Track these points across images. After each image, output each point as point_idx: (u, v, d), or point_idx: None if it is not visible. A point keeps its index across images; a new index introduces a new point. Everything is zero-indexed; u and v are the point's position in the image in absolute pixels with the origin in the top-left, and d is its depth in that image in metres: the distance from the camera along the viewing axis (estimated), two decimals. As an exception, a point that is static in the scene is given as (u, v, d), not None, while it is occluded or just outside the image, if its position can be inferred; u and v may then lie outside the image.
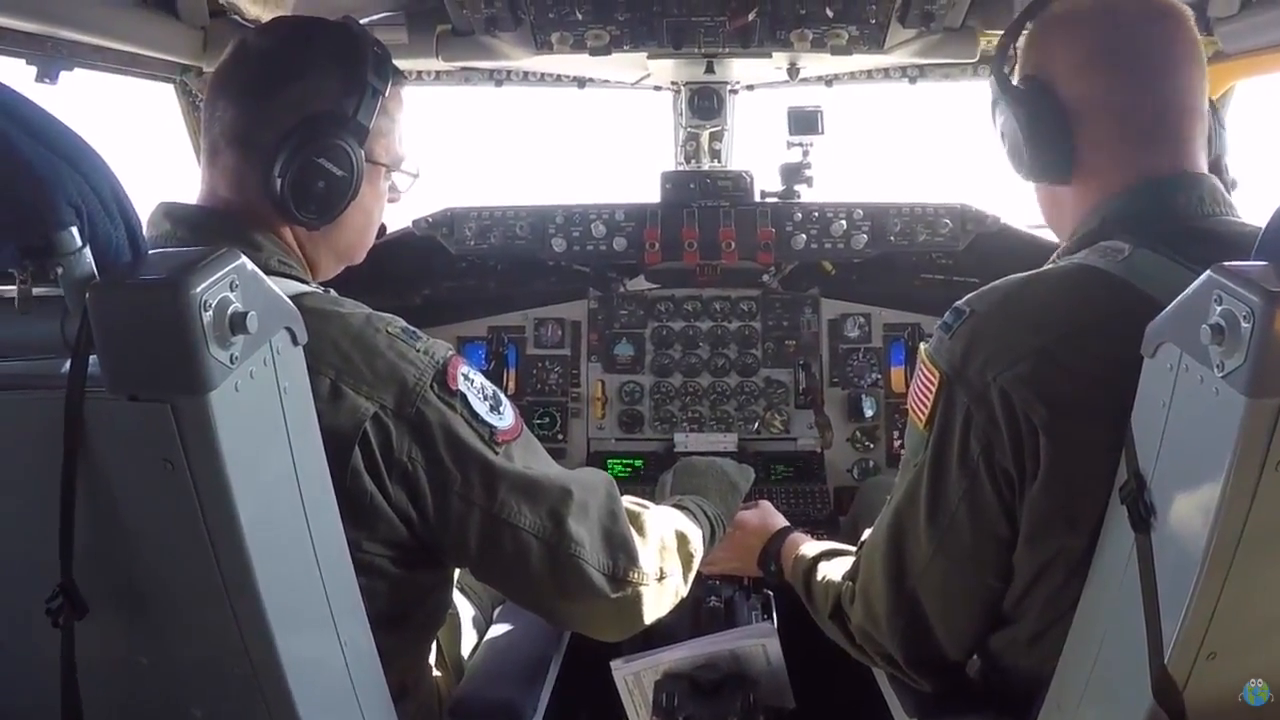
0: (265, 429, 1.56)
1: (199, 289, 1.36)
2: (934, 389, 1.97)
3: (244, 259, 1.47)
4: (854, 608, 2.30)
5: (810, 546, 2.72)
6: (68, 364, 1.44)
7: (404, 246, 4.09)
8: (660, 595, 2.30)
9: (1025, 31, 2.16)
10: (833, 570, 2.49)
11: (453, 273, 4.34)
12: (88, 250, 1.40)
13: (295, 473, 1.63)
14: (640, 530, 2.30)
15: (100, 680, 1.67)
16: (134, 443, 1.46)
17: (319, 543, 1.71)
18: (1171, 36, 2.03)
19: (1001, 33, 2.21)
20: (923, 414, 2.01)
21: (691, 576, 2.46)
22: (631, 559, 2.20)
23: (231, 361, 1.42)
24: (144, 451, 1.46)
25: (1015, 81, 2.13)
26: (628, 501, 2.37)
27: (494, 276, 4.38)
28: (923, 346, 2.07)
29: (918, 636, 2.16)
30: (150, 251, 1.52)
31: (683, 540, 2.44)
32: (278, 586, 1.58)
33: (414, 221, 4.09)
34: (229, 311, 1.41)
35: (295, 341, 1.62)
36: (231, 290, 1.42)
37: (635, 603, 2.22)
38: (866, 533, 2.32)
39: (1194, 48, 2.05)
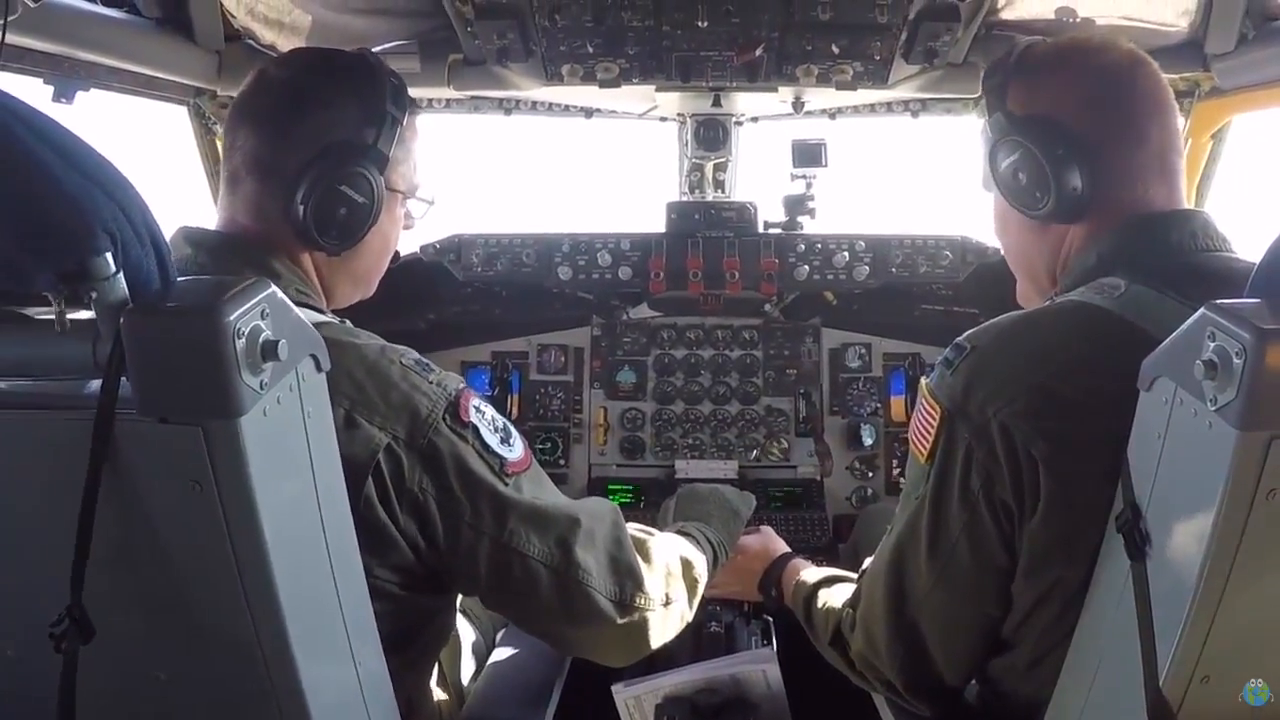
0: (290, 453, 1.60)
1: (233, 317, 1.41)
2: (935, 423, 1.99)
3: (274, 288, 1.52)
4: (854, 635, 2.33)
5: (811, 573, 2.73)
6: (97, 385, 1.47)
7: (411, 271, 4.07)
8: (666, 620, 2.33)
9: (1018, 75, 2.19)
10: (833, 597, 2.51)
11: (458, 298, 4.37)
12: (121, 276, 1.43)
13: (317, 496, 1.67)
14: (646, 557, 2.33)
15: (116, 694, 1.71)
16: (162, 464, 1.51)
17: (337, 564, 1.75)
18: (1154, 80, 2.12)
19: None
20: (924, 448, 2.04)
21: (696, 602, 2.49)
22: (638, 585, 2.23)
23: (261, 387, 1.47)
24: (172, 473, 1.50)
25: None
26: (633, 529, 2.39)
27: (499, 302, 4.41)
28: (924, 381, 2.09)
29: (917, 664, 2.18)
30: (179, 279, 1.56)
31: (687, 566, 2.47)
32: (299, 606, 1.62)
33: (421, 247, 4.13)
34: (261, 339, 1.45)
35: (319, 369, 1.67)
36: (263, 319, 1.47)
37: (642, 628, 2.25)
38: (868, 561, 2.34)
39: (1170, 93, 2.13)
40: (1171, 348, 1.61)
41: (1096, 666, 1.83)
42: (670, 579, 2.38)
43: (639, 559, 2.28)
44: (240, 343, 1.42)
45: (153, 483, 1.53)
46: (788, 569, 2.88)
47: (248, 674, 1.65)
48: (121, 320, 1.43)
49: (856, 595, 2.36)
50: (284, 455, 1.59)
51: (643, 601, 2.24)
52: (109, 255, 1.41)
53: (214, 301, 1.42)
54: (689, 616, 2.46)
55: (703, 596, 2.52)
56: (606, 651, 2.32)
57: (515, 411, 4.27)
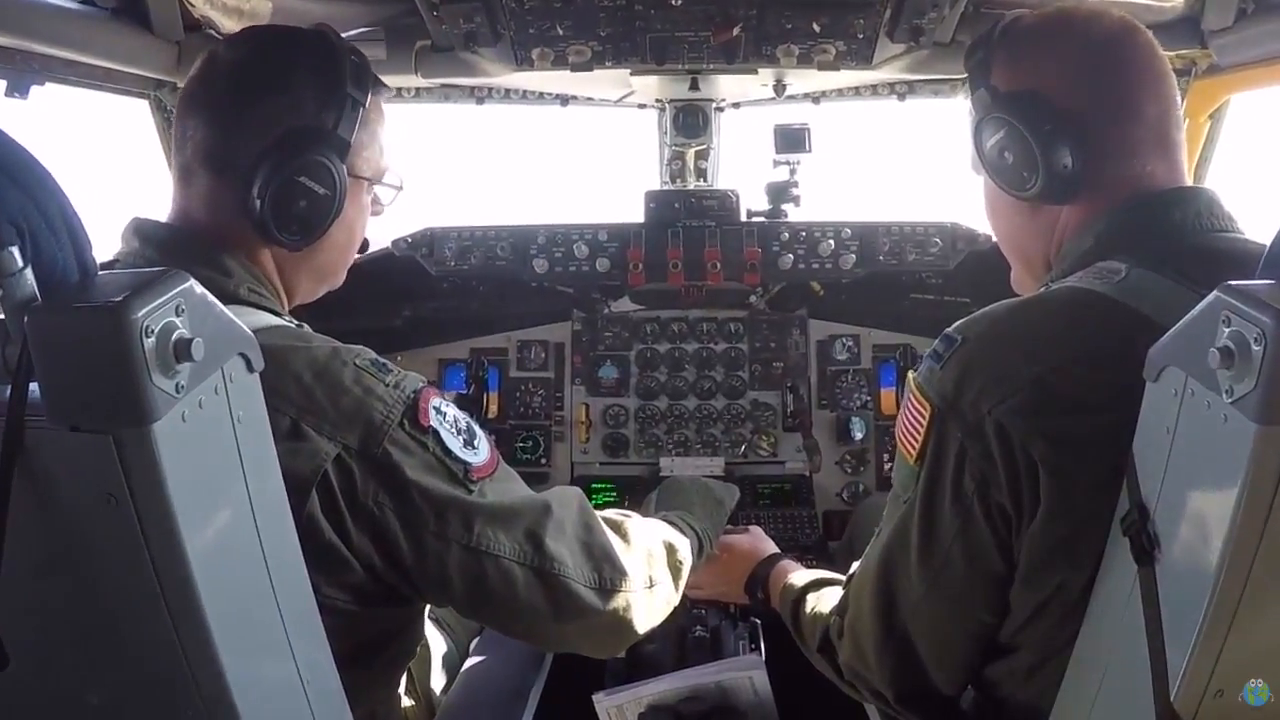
0: (217, 461, 1.48)
1: (141, 313, 1.28)
2: (925, 422, 1.89)
3: (192, 282, 1.40)
4: (842, 643, 2.24)
5: (799, 575, 2.64)
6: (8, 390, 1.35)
7: (383, 267, 4.01)
8: (651, 603, 2.27)
9: (1002, 49, 2.10)
10: (821, 602, 2.43)
11: (434, 293, 4.27)
12: (29, 271, 1.31)
13: (251, 507, 1.55)
14: (624, 537, 2.28)
15: None
16: (75, 476, 1.38)
17: (278, 580, 1.62)
18: (1148, 49, 2.02)
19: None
20: (913, 448, 1.93)
21: (682, 585, 2.44)
22: (616, 568, 2.16)
23: (177, 391, 1.34)
24: (86, 485, 1.37)
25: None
26: (610, 512, 2.35)
27: (476, 297, 4.31)
28: (911, 376, 1.98)
29: (908, 674, 2.09)
30: (100, 273, 1.43)
31: (671, 550, 2.42)
32: (232, 626, 1.50)
33: (393, 242, 4.02)
34: (173, 338, 1.32)
35: (251, 368, 1.54)
36: (177, 315, 1.34)
37: (627, 612, 2.18)
38: (855, 565, 2.24)
39: (1166, 63, 2.03)
40: (1181, 334, 1.49)
41: (1101, 677, 1.72)
42: (652, 561, 2.32)
43: (615, 541, 2.22)
44: (149, 342, 1.29)
45: (66, 495, 1.40)
46: (775, 570, 2.80)
47: (181, 700, 1.52)
48: (25, 319, 1.30)
49: (844, 602, 2.27)
50: (210, 464, 1.46)
51: (625, 585, 2.17)
52: (15, 249, 1.29)
53: (120, 297, 1.29)
54: (675, 600, 2.40)
55: (688, 599, 2.49)
56: (596, 643, 2.25)
57: (495, 410, 4.18)
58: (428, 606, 2.41)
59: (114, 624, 1.52)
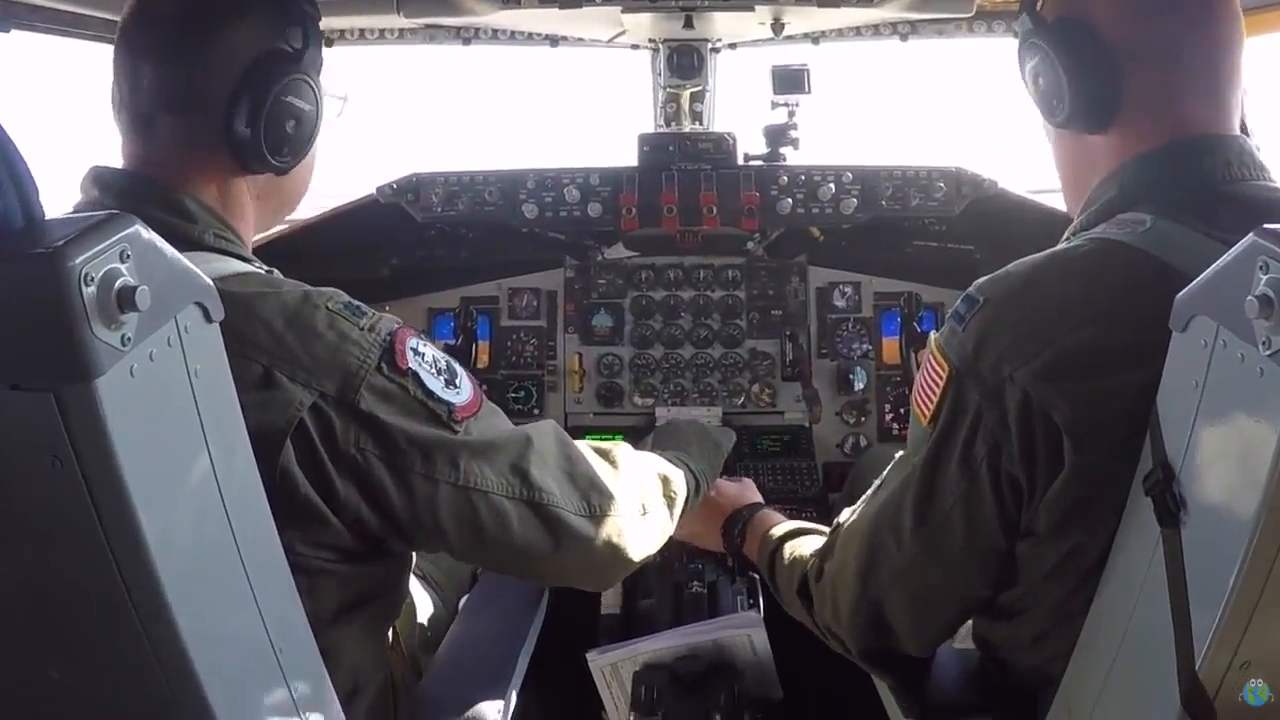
0: (172, 419, 1.38)
1: (78, 260, 1.18)
2: (942, 383, 1.83)
3: (138, 226, 1.29)
4: (818, 588, 2.22)
5: (781, 526, 2.63)
6: None
7: (368, 215, 3.90)
8: (646, 530, 2.28)
9: None
10: (802, 547, 2.42)
11: (422, 242, 4.15)
12: None
13: (212, 465, 1.45)
14: (613, 464, 2.29)
15: (10, 698, 1.53)
16: (18, 437, 1.27)
17: (244, 541, 1.53)
18: None
19: None
20: (927, 410, 1.88)
21: (677, 515, 2.44)
22: (604, 494, 2.16)
23: (123, 343, 1.24)
24: (29, 446, 1.27)
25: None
26: (599, 443, 2.34)
27: (465, 245, 4.19)
28: (932, 336, 1.92)
29: (876, 634, 2.09)
30: (48, 219, 1.32)
31: (665, 481, 2.43)
32: (192, 591, 1.41)
33: (378, 188, 3.89)
34: (116, 286, 1.22)
35: (209, 319, 1.44)
36: (121, 261, 1.23)
37: (620, 538, 2.18)
38: (846, 512, 2.21)
39: (1236, 3, 1.93)
40: (1213, 281, 1.39)
41: (1118, 645, 1.64)
42: (645, 490, 2.33)
43: (601, 468, 2.22)
44: (89, 290, 1.18)
45: (9, 458, 1.30)
46: (757, 517, 2.78)
47: (143, 673, 1.44)
48: None
49: (828, 548, 2.23)
50: (164, 421, 1.36)
51: (614, 509, 2.16)
52: None
53: (58, 244, 1.18)
54: (670, 530, 2.41)
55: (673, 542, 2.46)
56: (595, 574, 2.26)
57: (486, 359, 4.09)
58: (413, 564, 2.35)
59: (68, 594, 1.43)
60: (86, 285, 1.18)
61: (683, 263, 4.09)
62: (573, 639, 2.77)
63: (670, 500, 2.41)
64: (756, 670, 2.70)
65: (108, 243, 1.22)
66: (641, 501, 2.28)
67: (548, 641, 2.88)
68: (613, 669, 2.70)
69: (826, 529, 2.37)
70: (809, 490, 3.84)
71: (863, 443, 4.03)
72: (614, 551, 2.17)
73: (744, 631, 2.69)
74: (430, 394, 1.90)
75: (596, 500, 2.14)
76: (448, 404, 1.92)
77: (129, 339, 1.24)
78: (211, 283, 1.45)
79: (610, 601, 3.17)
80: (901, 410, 4.01)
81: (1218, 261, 1.38)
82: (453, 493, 1.92)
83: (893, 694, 2.30)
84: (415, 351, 1.91)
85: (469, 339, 3.92)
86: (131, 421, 1.27)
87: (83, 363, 1.19)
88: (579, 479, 2.14)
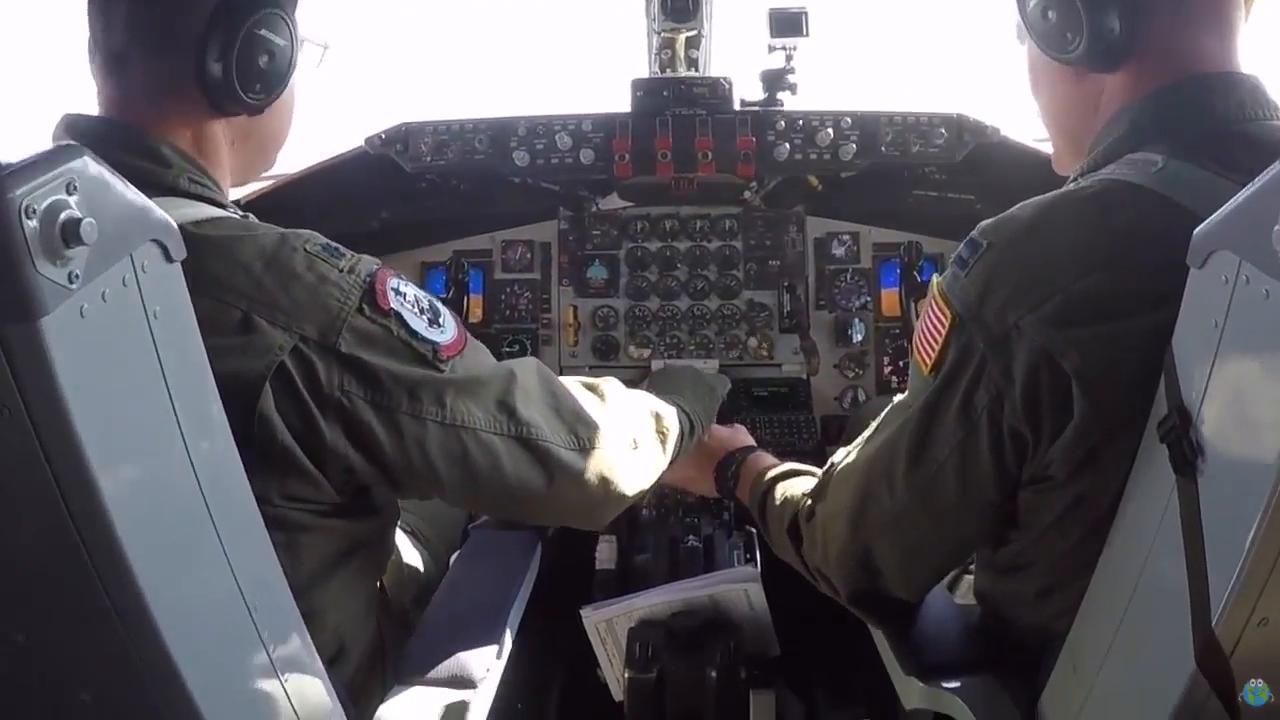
0: (129, 362, 1.31)
1: (19, 191, 1.10)
2: (945, 330, 1.78)
3: (86, 158, 1.21)
4: (808, 527, 2.20)
5: (775, 468, 2.60)
6: None
7: (357, 167, 3.81)
8: (638, 464, 2.29)
9: None
10: (794, 487, 2.39)
11: (412, 194, 4.05)
12: None
13: (175, 413, 1.37)
14: (601, 398, 2.30)
15: None
16: (-37, 383, 1.20)
17: (211, 492, 1.46)
18: None
19: None
20: (928, 358, 1.82)
21: (670, 451, 2.45)
22: (590, 426, 2.16)
23: (70, 280, 1.16)
24: (-25, 394, 1.20)
25: None
26: (583, 379, 2.37)
27: (457, 197, 4.11)
28: (935, 280, 1.86)
29: (865, 577, 2.07)
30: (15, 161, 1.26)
31: (656, 418, 2.45)
32: (153, 546, 1.34)
33: (367, 139, 3.79)
34: (61, 218, 1.14)
35: (169, 258, 1.36)
36: (68, 194, 1.16)
37: (612, 472, 2.18)
38: (840, 453, 2.18)
39: None
40: (1236, 213, 1.31)
41: (1127, 601, 1.58)
42: (635, 424, 2.34)
43: (588, 401, 2.22)
44: (31, 224, 1.10)
45: (-42, 407, 1.23)
46: (751, 458, 2.75)
47: (108, 638, 1.38)
48: None
49: (820, 489, 2.20)
50: (119, 366, 1.29)
51: (602, 442, 2.16)
52: None
53: None
54: (663, 465, 2.43)
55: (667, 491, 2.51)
56: (589, 510, 2.24)
57: (480, 313, 4.03)
58: (400, 519, 2.33)
59: (23, 554, 1.36)
60: (28, 218, 1.10)
61: (679, 213, 4.02)
62: (567, 595, 2.73)
63: (663, 436, 2.42)
64: (753, 625, 2.70)
65: (52, 174, 1.14)
66: (632, 435, 2.28)
67: (541, 598, 2.83)
68: (608, 625, 2.70)
69: (820, 470, 2.34)
70: (807, 444, 3.78)
71: (861, 396, 3.98)
72: (606, 485, 2.16)
73: (741, 586, 2.69)
74: (414, 334, 1.87)
75: (584, 433, 2.13)
76: (432, 343, 1.89)
77: (76, 276, 1.17)
78: (172, 220, 1.38)
79: (605, 556, 3.13)
80: (901, 363, 3.95)
81: (1241, 192, 1.31)
82: (441, 431, 1.90)
83: (892, 650, 2.25)
84: (396, 291, 1.88)
85: (460, 292, 3.87)
86: (83, 365, 1.19)
87: (26, 301, 1.12)
88: (564, 412, 2.12)
